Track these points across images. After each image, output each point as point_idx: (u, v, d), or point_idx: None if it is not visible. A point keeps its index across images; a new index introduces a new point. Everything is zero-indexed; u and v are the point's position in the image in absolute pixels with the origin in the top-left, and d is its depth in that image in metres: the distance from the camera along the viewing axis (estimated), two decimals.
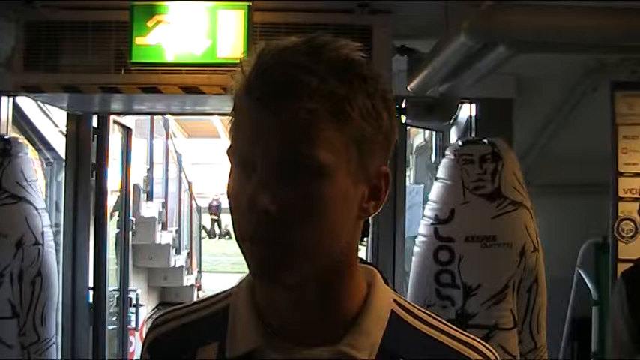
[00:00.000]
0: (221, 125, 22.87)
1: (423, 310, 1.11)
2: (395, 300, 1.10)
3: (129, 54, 3.43)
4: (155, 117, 8.66)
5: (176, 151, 11.30)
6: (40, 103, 4.89)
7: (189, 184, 12.29)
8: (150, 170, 9.58)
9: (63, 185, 4.74)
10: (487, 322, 3.55)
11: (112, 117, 4.79)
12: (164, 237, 9.34)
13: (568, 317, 4.76)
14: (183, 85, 3.52)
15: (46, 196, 5.10)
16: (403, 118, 4.19)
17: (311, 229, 0.97)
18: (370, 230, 1.20)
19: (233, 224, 1.01)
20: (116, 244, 5.45)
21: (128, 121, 5.34)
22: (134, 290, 5.79)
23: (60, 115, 5.00)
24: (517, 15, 2.91)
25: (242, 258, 1.01)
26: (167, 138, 10.59)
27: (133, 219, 5.63)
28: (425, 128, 5.42)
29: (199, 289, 11.81)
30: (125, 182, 5.34)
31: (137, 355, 6.04)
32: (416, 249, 3.81)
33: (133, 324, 5.78)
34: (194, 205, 12.88)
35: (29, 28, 3.50)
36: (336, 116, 0.96)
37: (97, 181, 4.64)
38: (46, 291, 3.86)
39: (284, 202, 0.95)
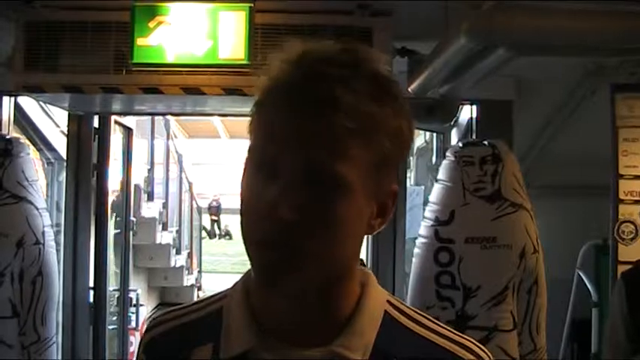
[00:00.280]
0: (221, 126, 22.88)
1: (417, 311, 1.12)
2: (388, 301, 1.10)
3: (130, 54, 3.43)
4: (156, 117, 8.65)
5: (177, 152, 11.30)
6: (41, 103, 4.89)
7: (190, 184, 12.30)
8: (151, 170, 9.58)
9: (64, 185, 4.74)
10: (487, 323, 3.55)
11: (113, 117, 4.80)
12: (164, 237, 9.34)
13: (568, 319, 4.76)
14: (184, 85, 3.52)
15: (46, 195, 5.11)
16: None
17: (322, 241, 0.97)
18: None
19: (242, 224, 1.02)
20: (116, 244, 5.45)
21: (129, 121, 5.35)
22: (134, 290, 5.79)
23: (61, 115, 5.00)
24: (517, 17, 2.91)
25: (242, 258, 1.01)
26: (168, 138, 10.60)
27: (134, 219, 5.63)
28: (425, 130, 5.42)
29: (199, 289, 11.82)
30: (126, 182, 5.35)
31: (136, 355, 6.04)
32: (416, 250, 3.81)
33: (134, 324, 5.80)
34: (194, 206, 12.89)
35: (30, 28, 3.50)
36: (365, 135, 0.97)
37: (97, 181, 4.65)
38: (46, 291, 3.86)
39: (302, 212, 0.95)
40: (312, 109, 0.95)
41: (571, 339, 4.80)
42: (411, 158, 6.23)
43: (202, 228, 16.86)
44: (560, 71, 4.40)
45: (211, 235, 24.87)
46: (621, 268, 3.80)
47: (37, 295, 3.82)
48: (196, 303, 1.18)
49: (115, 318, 5.37)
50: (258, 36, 3.43)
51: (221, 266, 17.31)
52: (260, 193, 0.98)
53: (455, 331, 1.10)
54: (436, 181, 3.89)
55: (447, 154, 3.87)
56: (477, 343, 1.09)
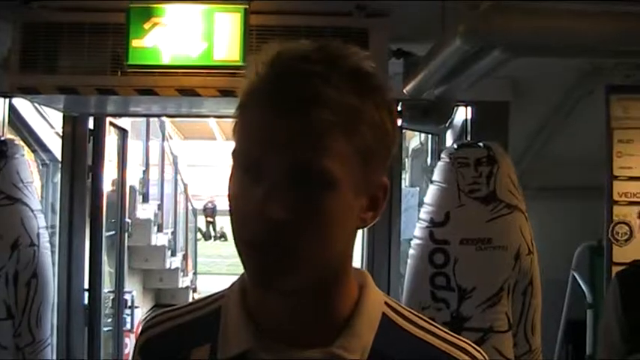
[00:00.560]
0: (217, 127, 22.89)
1: (413, 312, 1.12)
2: (386, 302, 1.11)
3: (125, 56, 3.43)
4: (151, 119, 8.65)
5: (172, 153, 11.30)
6: (36, 104, 4.88)
7: (185, 185, 12.30)
8: (146, 172, 9.58)
9: (59, 187, 4.73)
10: (482, 325, 3.55)
11: (108, 119, 4.79)
12: (160, 239, 9.35)
13: (563, 320, 4.77)
14: (179, 87, 3.51)
15: (41, 197, 5.09)
16: (399, 121, 4.19)
17: (312, 238, 0.97)
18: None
19: (232, 226, 1.01)
20: (111, 245, 5.45)
21: (124, 122, 5.34)
22: (129, 292, 5.78)
23: (56, 117, 4.99)
24: (514, 19, 2.91)
25: (237, 260, 1.01)
26: (163, 140, 10.60)
27: (129, 221, 5.62)
28: (421, 131, 5.42)
29: (195, 291, 11.82)
30: (121, 184, 5.34)
31: (131, 356, 6.03)
32: (411, 252, 3.81)
33: (129, 326, 5.78)
34: (190, 207, 12.89)
35: (26, 29, 3.50)
36: (347, 128, 0.96)
37: (92, 182, 4.64)
38: (41, 292, 3.86)
39: (292, 211, 0.95)
40: (290, 106, 0.95)
41: (566, 340, 4.81)
42: (406, 160, 6.24)
43: (197, 229, 16.86)
44: (556, 72, 4.40)
45: (206, 236, 24.85)
46: (616, 270, 3.80)
47: (31, 297, 3.81)
48: (192, 303, 1.18)
49: (110, 320, 5.36)
50: (254, 37, 3.42)
51: (216, 268, 17.30)
52: (247, 194, 0.97)
53: (451, 333, 1.10)
54: (431, 182, 3.90)
55: (442, 155, 3.87)
56: (473, 345, 1.09)
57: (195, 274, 12.58)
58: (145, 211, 8.93)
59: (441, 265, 3.63)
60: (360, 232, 1.09)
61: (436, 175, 3.83)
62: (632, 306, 2.54)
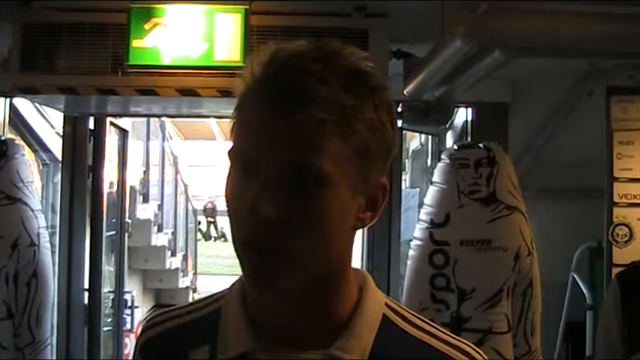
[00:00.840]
0: (217, 128, 22.90)
1: (414, 313, 1.12)
2: (387, 304, 1.10)
3: (126, 56, 3.43)
4: (152, 119, 8.65)
5: (172, 153, 11.31)
6: (36, 104, 4.89)
7: (185, 186, 12.30)
8: (146, 172, 9.58)
9: (59, 186, 4.74)
10: (481, 326, 3.55)
11: (109, 119, 4.79)
12: (160, 239, 9.35)
13: (562, 321, 4.77)
14: (179, 87, 3.52)
15: (42, 197, 5.10)
16: (399, 122, 4.20)
17: (308, 238, 0.97)
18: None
19: (231, 226, 1.01)
20: (112, 245, 5.45)
21: (125, 122, 5.35)
22: (129, 292, 5.79)
23: (56, 117, 5.00)
24: (513, 20, 2.91)
25: (237, 260, 1.01)
26: (163, 140, 10.60)
27: (129, 221, 5.63)
28: (421, 132, 5.43)
29: (195, 291, 11.82)
30: (121, 184, 5.35)
31: (132, 356, 6.03)
32: (411, 253, 3.81)
33: (129, 326, 5.79)
34: (190, 207, 12.89)
35: (26, 29, 3.50)
36: (343, 127, 0.96)
37: (93, 182, 4.64)
38: (41, 292, 3.86)
39: (285, 209, 0.95)
40: (285, 104, 0.95)
41: (565, 341, 4.80)
42: (406, 161, 6.25)
43: (198, 230, 16.86)
44: (556, 73, 4.41)
45: (207, 236, 24.85)
46: (616, 271, 3.79)
47: (31, 297, 3.81)
48: (192, 304, 1.18)
49: (109, 320, 5.36)
50: (254, 38, 3.43)
51: (216, 268, 17.29)
52: (242, 194, 0.97)
53: (451, 335, 1.10)
54: (431, 183, 3.89)
55: (442, 156, 3.87)
56: (473, 346, 1.09)
57: (195, 274, 12.58)
58: (145, 212, 8.93)
59: (440, 266, 3.62)
60: (359, 232, 1.09)
61: (436, 176, 3.83)
62: (631, 307, 2.53)
